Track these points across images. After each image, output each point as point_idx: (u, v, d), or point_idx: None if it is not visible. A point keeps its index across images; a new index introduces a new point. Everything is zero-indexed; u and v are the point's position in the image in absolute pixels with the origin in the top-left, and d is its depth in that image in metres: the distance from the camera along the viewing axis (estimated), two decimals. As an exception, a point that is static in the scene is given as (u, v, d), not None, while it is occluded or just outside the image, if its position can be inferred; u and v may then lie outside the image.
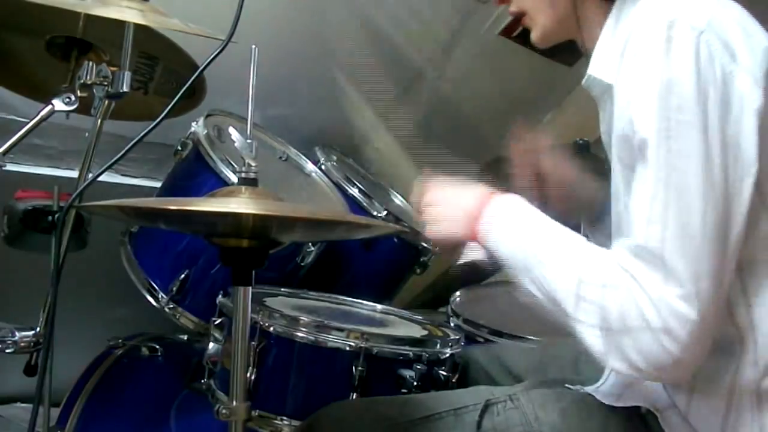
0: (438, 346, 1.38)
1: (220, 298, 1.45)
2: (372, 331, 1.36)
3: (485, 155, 2.11)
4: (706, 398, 1.01)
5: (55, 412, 1.69)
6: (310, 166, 1.97)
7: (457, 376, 1.38)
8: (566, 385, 1.17)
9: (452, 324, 1.75)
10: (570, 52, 1.19)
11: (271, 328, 1.33)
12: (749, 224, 0.92)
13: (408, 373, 1.30)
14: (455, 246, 1.13)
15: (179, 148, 1.71)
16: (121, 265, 1.71)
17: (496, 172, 1.63)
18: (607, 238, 1.21)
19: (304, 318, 1.35)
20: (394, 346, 1.33)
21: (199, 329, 1.66)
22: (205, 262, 1.64)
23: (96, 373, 1.77)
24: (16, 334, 1.35)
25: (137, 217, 1.31)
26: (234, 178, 1.52)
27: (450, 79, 2.39)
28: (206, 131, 1.68)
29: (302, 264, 1.71)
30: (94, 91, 1.31)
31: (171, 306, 1.64)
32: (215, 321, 1.42)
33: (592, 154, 2.04)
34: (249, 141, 1.08)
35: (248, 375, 1.28)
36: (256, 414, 1.28)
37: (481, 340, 1.68)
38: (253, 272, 1.08)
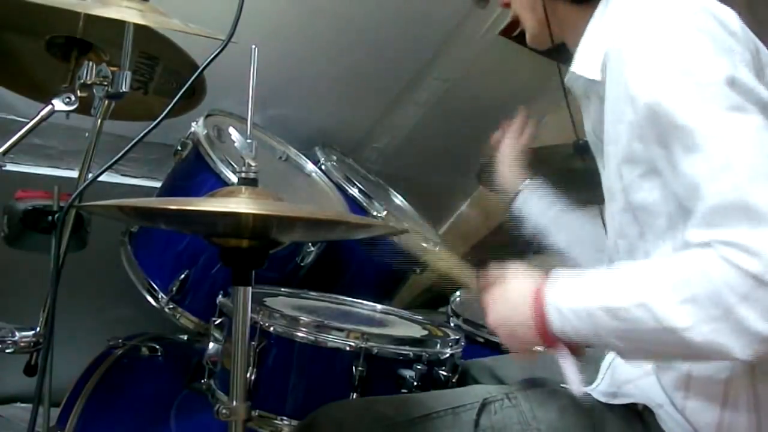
0: (438, 346, 1.38)
1: (220, 298, 1.45)
2: (372, 331, 1.36)
3: (485, 155, 2.11)
4: (703, 393, 1.02)
5: (55, 412, 1.69)
6: (310, 166, 1.97)
7: (457, 376, 1.38)
8: (562, 385, 1.17)
9: (452, 324, 1.76)
10: (570, 52, 1.19)
11: (271, 328, 1.33)
12: None
13: (408, 373, 1.30)
14: (530, 350, 1.10)
15: (179, 148, 1.71)
16: (121, 265, 1.71)
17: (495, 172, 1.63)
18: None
19: (304, 318, 1.35)
20: (394, 346, 1.33)
21: (199, 329, 1.66)
22: (205, 262, 1.64)
23: (96, 373, 1.77)
24: (16, 334, 1.35)
25: (137, 217, 1.31)
26: (234, 178, 1.52)
27: (450, 79, 2.39)
28: (206, 131, 1.68)
29: (302, 264, 1.71)
30: (94, 91, 1.31)
31: (171, 306, 1.64)
32: (215, 321, 1.42)
33: (592, 154, 2.04)
34: (249, 141, 1.08)
35: (248, 375, 1.28)
36: (256, 414, 1.28)
37: (481, 340, 1.68)
38: (253, 272, 1.08)
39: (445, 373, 1.35)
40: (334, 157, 2.05)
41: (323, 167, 1.97)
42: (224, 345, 1.39)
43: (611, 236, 1.16)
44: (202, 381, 1.42)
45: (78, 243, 1.43)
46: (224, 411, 1.07)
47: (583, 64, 1.09)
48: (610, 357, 1.19)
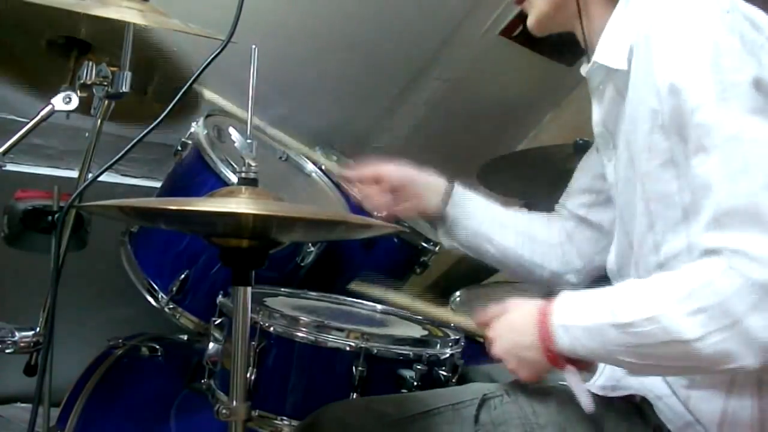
0: (438, 346, 1.38)
1: (220, 298, 1.45)
2: (372, 331, 1.36)
3: (485, 155, 2.11)
4: (708, 384, 1.02)
5: (55, 412, 1.69)
6: (310, 166, 1.97)
7: (457, 376, 1.38)
8: (561, 382, 1.18)
9: (452, 324, 1.75)
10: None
11: (271, 328, 1.33)
12: None
13: (408, 373, 1.30)
14: (540, 374, 1.10)
15: (179, 148, 1.71)
16: (121, 265, 1.71)
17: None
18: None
19: (304, 318, 1.35)
20: (394, 346, 1.33)
21: (199, 329, 1.66)
22: (205, 262, 1.64)
23: (96, 373, 1.77)
24: (16, 334, 1.35)
25: (137, 217, 1.31)
26: (234, 178, 1.52)
27: (450, 79, 2.39)
28: (206, 131, 1.68)
29: (302, 264, 1.71)
30: (94, 91, 1.31)
31: (171, 306, 1.64)
32: (215, 321, 1.42)
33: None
34: (249, 141, 1.08)
35: (248, 375, 1.28)
36: (256, 414, 1.28)
37: (481, 340, 1.68)
38: (253, 272, 1.08)
39: (445, 373, 1.34)
40: (334, 157, 2.05)
41: (323, 167, 1.97)
42: (224, 345, 1.39)
43: (618, 229, 1.16)
44: (202, 381, 1.42)
45: (78, 243, 1.44)
46: (224, 411, 1.07)
47: (607, 53, 1.08)
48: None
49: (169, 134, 1.68)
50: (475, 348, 1.65)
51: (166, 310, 1.64)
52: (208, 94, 1.59)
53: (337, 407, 1.17)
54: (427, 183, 1.42)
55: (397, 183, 1.41)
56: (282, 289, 1.61)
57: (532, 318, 1.04)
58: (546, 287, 1.38)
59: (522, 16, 1.24)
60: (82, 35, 1.37)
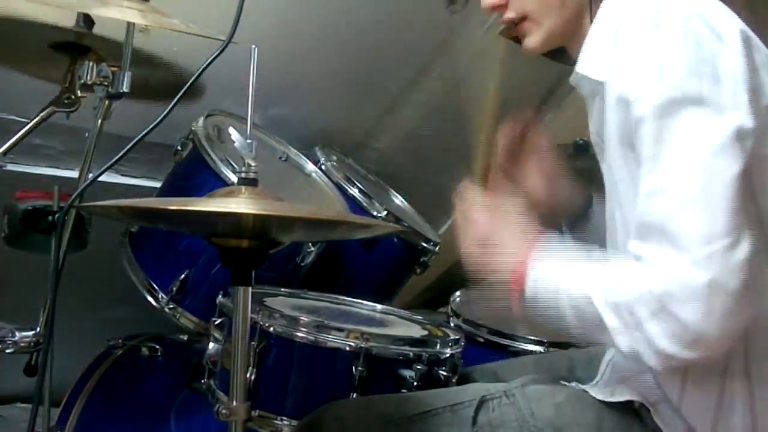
0: (438, 346, 1.38)
1: (220, 298, 1.45)
2: (372, 331, 1.35)
3: (485, 155, 2.11)
4: (699, 389, 1.02)
5: (55, 412, 1.69)
6: (310, 166, 1.97)
7: (457, 376, 1.38)
8: (561, 382, 1.18)
9: (452, 324, 1.76)
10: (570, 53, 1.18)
11: (271, 328, 1.33)
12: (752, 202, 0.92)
13: (408, 373, 1.30)
14: (485, 271, 1.11)
15: (179, 148, 1.71)
16: (121, 265, 1.71)
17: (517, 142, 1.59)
18: (587, 241, 1.21)
19: (304, 318, 1.35)
20: (394, 346, 1.33)
21: (199, 329, 1.66)
22: (205, 262, 1.64)
23: (96, 373, 1.77)
24: (16, 334, 1.35)
25: (137, 217, 1.31)
26: (234, 178, 1.52)
27: (450, 79, 2.39)
28: (206, 131, 1.68)
29: (302, 264, 1.71)
30: (94, 91, 1.31)
31: (171, 306, 1.64)
32: (215, 321, 1.42)
33: (591, 155, 2.04)
34: (249, 141, 1.08)
35: (248, 375, 1.28)
36: (256, 414, 1.28)
37: (481, 340, 1.68)
38: (253, 272, 1.08)
39: (445, 373, 1.34)
40: (334, 157, 2.05)
41: (323, 167, 1.97)
42: (224, 345, 1.39)
43: (610, 235, 1.16)
44: (202, 381, 1.42)
45: (78, 243, 1.44)
46: (224, 411, 1.07)
47: (588, 64, 1.08)
48: (609, 354, 1.19)
49: (169, 134, 1.68)
50: (475, 348, 1.65)
51: (166, 310, 1.64)
52: None
53: (337, 407, 1.17)
54: (570, 187, 1.36)
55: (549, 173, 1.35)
56: (282, 289, 1.61)
57: (525, 243, 1.07)
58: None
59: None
60: (80, 41, 1.37)
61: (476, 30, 2.27)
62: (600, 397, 1.12)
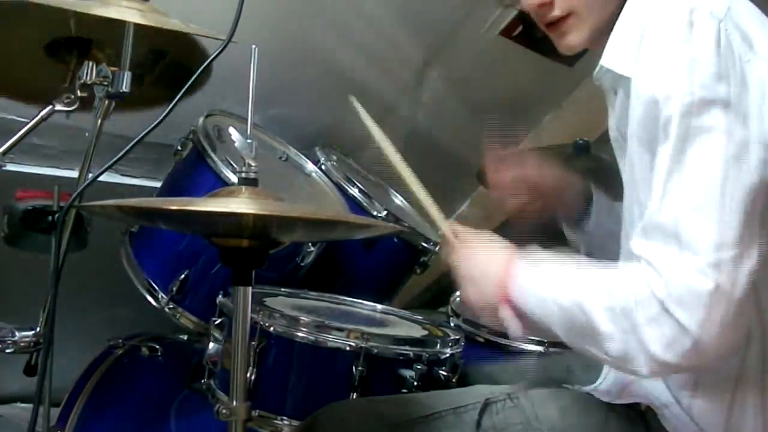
0: (438, 346, 1.39)
1: (220, 298, 1.45)
2: (372, 331, 1.36)
3: (485, 155, 2.11)
4: (711, 392, 1.02)
5: (55, 412, 1.69)
6: (310, 166, 1.97)
7: (457, 376, 1.38)
8: (564, 385, 1.17)
9: (452, 324, 1.75)
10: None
11: (271, 328, 1.33)
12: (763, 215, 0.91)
13: (408, 373, 1.30)
14: (487, 308, 1.10)
15: (179, 148, 1.71)
16: (121, 265, 1.71)
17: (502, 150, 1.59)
18: (588, 241, 1.20)
19: (304, 318, 1.35)
20: (394, 346, 1.33)
21: (199, 329, 1.66)
22: (205, 262, 1.64)
23: (96, 373, 1.77)
24: (16, 334, 1.35)
25: (137, 217, 1.31)
26: (234, 178, 1.52)
27: (450, 79, 2.39)
28: (206, 131, 1.68)
29: (302, 264, 1.71)
30: (94, 91, 1.31)
31: (171, 306, 1.64)
32: (215, 321, 1.42)
33: (592, 154, 2.04)
34: (249, 141, 1.08)
35: (248, 375, 1.28)
36: (256, 414, 1.28)
37: (481, 340, 1.68)
38: (253, 272, 1.08)
39: (445, 373, 1.35)
40: (334, 157, 2.05)
41: (323, 167, 1.97)
42: (224, 345, 1.39)
43: (625, 230, 1.16)
44: (202, 381, 1.42)
45: (78, 243, 1.43)
46: (224, 411, 1.07)
47: (614, 57, 1.05)
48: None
49: (169, 134, 1.68)
50: (475, 348, 1.65)
51: (166, 310, 1.64)
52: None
53: (338, 408, 1.17)
54: (571, 185, 1.34)
55: (538, 182, 1.33)
56: (282, 289, 1.61)
57: (506, 258, 1.06)
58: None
59: (521, 16, 1.19)
60: (82, 34, 1.36)
61: (476, 30, 2.28)
62: (606, 399, 1.11)
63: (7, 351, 1.34)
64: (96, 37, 1.38)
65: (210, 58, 1.21)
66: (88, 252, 1.48)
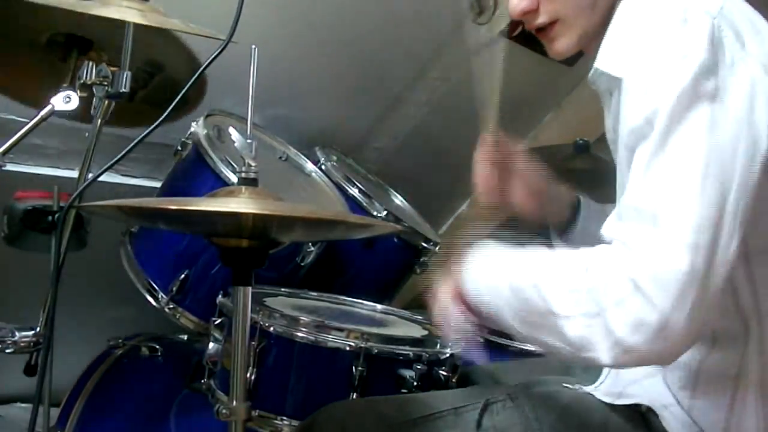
0: (438, 346, 1.39)
1: (220, 298, 1.45)
2: (372, 331, 1.36)
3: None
4: (711, 392, 1.01)
5: (55, 412, 1.69)
6: (310, 166, 1.97)
7: (457, 376, 1.38)
8: (564, 385, 1.17)
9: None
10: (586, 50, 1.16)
11: (271, 328, 1.33)
12: (759, 212, 0.90)
13: (408, 373, 1.30)
14: (462, 329, 1.10)
15: (179, 148, 1.71)
16: (121, 265, 1.71)
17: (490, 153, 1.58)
18: (577, 245, 1.19)
19: (304, 318, 1.35)
20: (394, 346, 1.33)
21: (199, 329, 1.66)
22: (205, 262, 1.64)
23: (96, 373, 1.77)
24: (16, 334, 1.35)
25: (137, 217, 1.31)
26: (234, 178, 1.52)
27: (450, 79, 2.39)
28: (206, 131, 1.68)
29: (302, 264, 1.71)
30: (94, 90, 1.31)
31: (171, 306, 1.64)
32: (215, 321, 1.42)
33: (592, 154, 2.04)
34: (249, 141, 1.08)
35: (248, 375, 1.28)
36: (256, 414, 1.28)
37: (481, 340, 1.68)
38: (253, 272, 1.08)
39: (445, 373, 1.34)
40: (334, 157, 2.05)
41: (323, 167, 1.97)
42: (224, 345, 1.39)
43: None
44: (202, 381, 1.42)
45: (78, 243, 1.43)
46: (224, 411, 1.07)
47: (607, 59, 1.05)
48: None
49: (169, 134, 1.68)
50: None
51: (166, 310, 1.64)
52: None
53: (338, 408, 1.16)
54: (558, 194, 1.33)
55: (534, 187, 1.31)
56: (282, 289, 1.61)
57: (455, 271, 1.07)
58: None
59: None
60: (81, 31, 1.36)
61: (476, 30, 2.27)
62: (606, 400, 1.11)
63: (7, 351, 1.34)
64: (96, 37, 1.38)
65: (210, 59, 1.21)
66: (88, 252, 1.48)
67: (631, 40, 0.99)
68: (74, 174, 1.48)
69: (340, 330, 1.32)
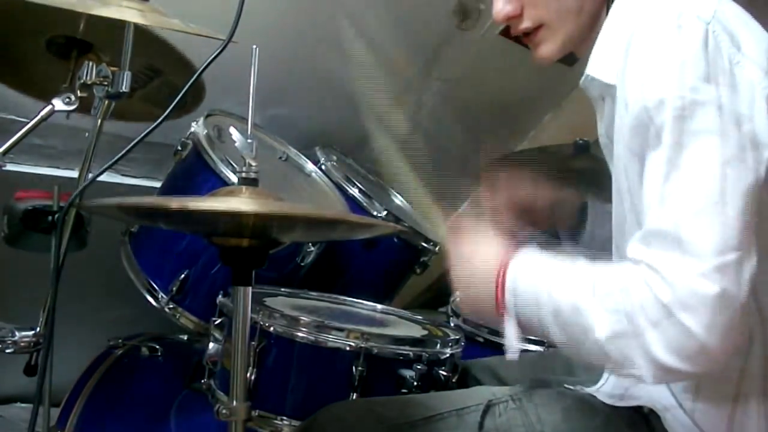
0: (438, 346, 1.38)
1: (220, 298, 1.45)
2: (372, 331, 1.36)
3: (485, 155, 2.11)
4: (714, 396, 1.01)
5: (55, 412, 1.69)
6: (310, 166, 1.97)
7: (457, 376, 1.38)
8: (566, 386, 1.17)
9: (452, 324, 1.76)
10: (570, 53, 1.17)
11: (271, 328, 1.33)
12: (761, 217, 0.90)
13: (408, 373, 1.30)
14: (483, 312, 1.09)
15: (179, 148, 1.71)
16: (121, 265, 1.71)
17: (496, 171, 1.61)
18: (584, 248, 1.19)
19: (304, 318, 1.35)
20: (394, 346, 1.33)
21: (199, 329, 1.66)
22: (205, 262, 1.64)
23: (96, 373, 1.77)
24: (16, 334, 1.35)
25: (137, 216, 1.31)
26: (234, 178, 1.52)
27: (450, 79, 2.39)
28: (206, 131, 1.68)
29: (302, 264, 1.71)
30: (94, 91, 1.31)
31: (171, 306, 1.64)
32: (215, 321, 1.42)
33: (592, 154, 2.04)
34: (249, 141, 1.08)
35: (248, 375, 1.28)
36: (256, 414, 1.28)
37: (481, 340, 1.68)
38: (253, 272, 1.08)
39: (445, 373, 1.34)
40: (334, 157, 2.05)
41: (323, 167, 1.97)
42: (224, 345, 1.39)
43: (616, 237, 1.15)
44: (202, 381, 1.42)
45: (78, 243, 1.43)
46: (224, 411, 1.07)
47: (599, 66, 1.06)
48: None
49: (169, 134, 1.68)
50: (475, 348, 1.65)
51: (166, 310, 1.64)
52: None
53: (338, 408, 1.16)
54: (565, 199, 1.35)
55: (531, 204, 1.34)
56: (282, 289, 1.61)
57: (495, 263, 1.05)
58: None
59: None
60: (81, 34, 1.37)
61: (476, 30, 2.28)
62: (608, 401, 1.11)
63: (7, 351, 1.34)
64: (96, 37, 1.38)
65: (210, 59, 1.21)
66: (88, 252, 1.48)
67: (624, 47, 0.99)
68: (74, 174, 1.48)
69: (340, 330, 1.32)
